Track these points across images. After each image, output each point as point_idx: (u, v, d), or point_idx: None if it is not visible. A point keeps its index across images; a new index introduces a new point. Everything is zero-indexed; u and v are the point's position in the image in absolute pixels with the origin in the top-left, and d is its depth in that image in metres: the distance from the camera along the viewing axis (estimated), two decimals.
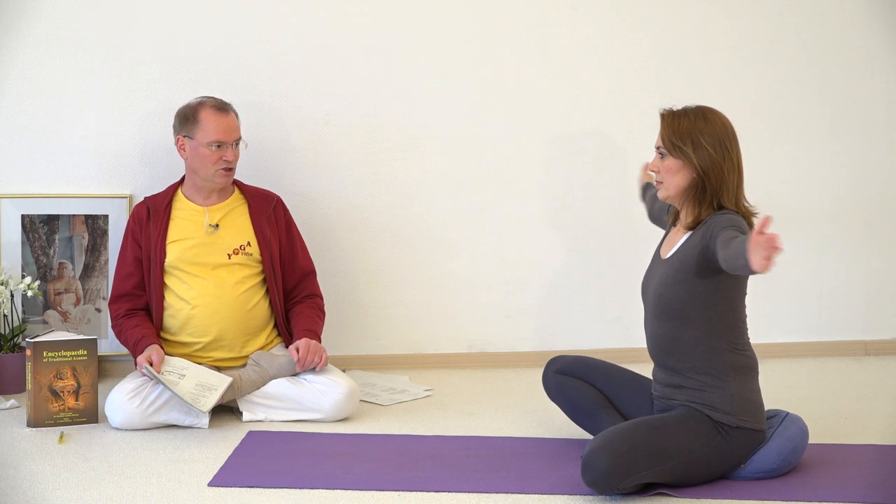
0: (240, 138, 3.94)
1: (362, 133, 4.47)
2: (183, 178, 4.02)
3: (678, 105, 3.22)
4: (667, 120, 3.19)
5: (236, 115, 3.95)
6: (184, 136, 3.91)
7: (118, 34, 4.32)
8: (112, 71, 4.33)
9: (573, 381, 3.46)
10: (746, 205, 3.17)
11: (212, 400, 3.63)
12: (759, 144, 4.58)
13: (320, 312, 4.04)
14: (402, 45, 4.45)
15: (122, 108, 4.35)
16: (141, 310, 3.93)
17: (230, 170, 3.92)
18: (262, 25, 4.39)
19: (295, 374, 3.84)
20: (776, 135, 4.60)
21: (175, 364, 3.76)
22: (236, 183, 4.05)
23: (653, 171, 3.22)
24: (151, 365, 3.67)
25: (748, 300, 3.24)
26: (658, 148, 3.20)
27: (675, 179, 3.16)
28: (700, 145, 3.12)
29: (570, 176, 4.56)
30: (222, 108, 3.92)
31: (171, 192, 4.00)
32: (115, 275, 3.99)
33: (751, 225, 3.14)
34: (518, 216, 4.56)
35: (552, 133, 4.54)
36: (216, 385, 3.69)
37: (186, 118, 3.91)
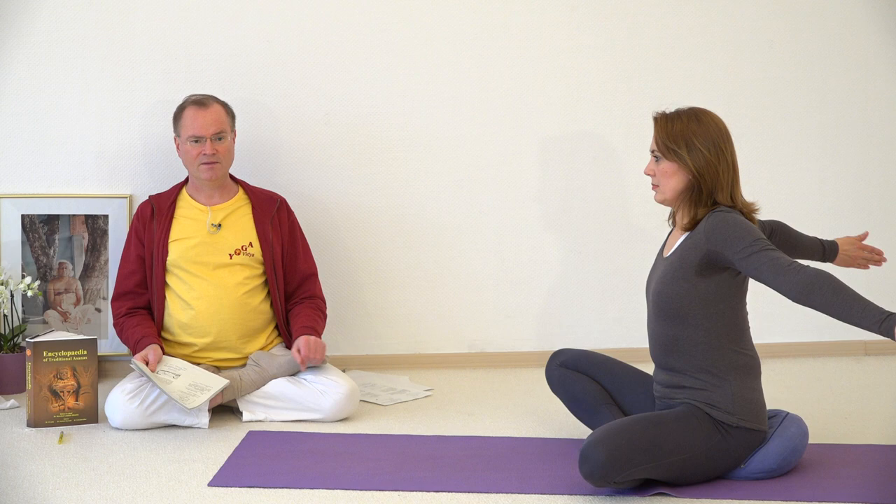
0: (222, 132, 3.92)
1: (362, 133, 4.47)
2: (188, 178, 4.03)
3: (671, 108, 3.22)
4: (660, 123, 3.19)
5: (226, 109, 3.95)
6: (175, 136, 3.95)
7: (118, 34, 4.32)
8: (112, 70, 4.33)
9: (576, 374, 3.47)
10: (744, 200, 3.17)
11: (199, 399, 3.62)
12: (759, 145, 4.58)
13: (320, 313, 4.03)
14: (403, 45, 4.45)
15: (122, 107, 4.35)
16: (142, 308, 3.93)
17: (213, 165, 3.90)
18: (261, 25, 4.39)
19: (294, 374, 3.84)
20: (776, 135, 4.60)
21: (172, 364, 3.76)
22: (241, 183, 4.05)
23: (648, 173, 3.22)
24: (148, 364, 3.67)
25: (749, 299, 3.24)
26: (653, 151, 3.20)
27: (670, 182, 3.16)
28: (694, 147, 3.12)
29: (569, 176, 4.56)
30: (201, 102, 3.92)
31: (176, 191, 4.01)
32: (118, 273, 3.99)
33: (750, 220, 3.16)
34: (518, 216, 4.56)
35: (552, 133, 4.54)
36: (210, 386, 3.68)
37: (175, 118, 3.97)
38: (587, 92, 4.53)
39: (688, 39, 4.54)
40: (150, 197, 4.04)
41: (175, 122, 3.94)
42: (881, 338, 4.68)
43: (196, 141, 3.88)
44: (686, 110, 3.18)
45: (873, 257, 3.58)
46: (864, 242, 3.59)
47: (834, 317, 2.92)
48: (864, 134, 4.65)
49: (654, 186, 3.21)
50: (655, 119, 3.21)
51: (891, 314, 2.84)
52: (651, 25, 4.52)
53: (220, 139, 3.91)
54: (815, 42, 4.59)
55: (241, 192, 4.03)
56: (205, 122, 3.89)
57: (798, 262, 2.98)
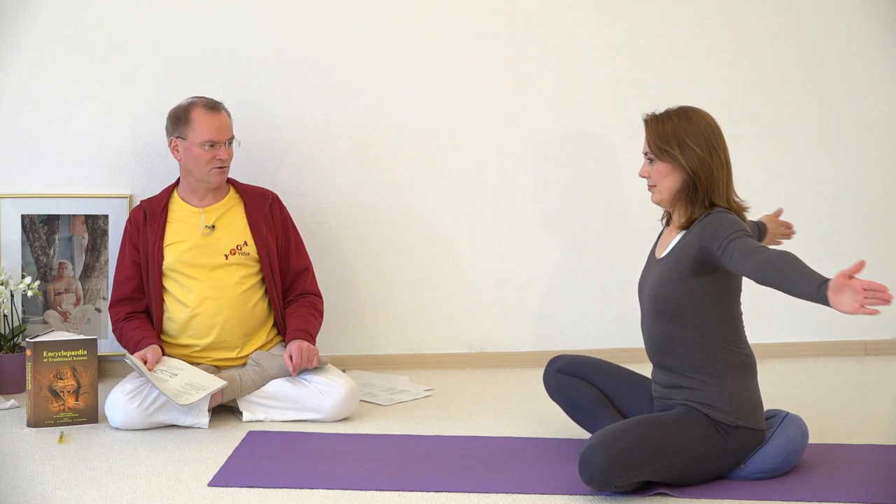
0: (232, 137, 3.93)
1: (362, 133, 4.47)
2: (178, 181, 4.02)
3: (660, 109, 3.22)
4: (650, 125, 3.20)
5: (228, 114, 3.95)
6: (176, 138, 3.90)
7: (118, 34, 4.32)
8: (112, 71, 4.34)
9: (573, 380, 3.47)
10: (737, 200, 3.18)
11: (193, 397, 3.62)
12: (758, 144, 4.58)
13: (314, 310, 4.02)
14: (402, 45, 4.45)
15: (122, 107, 4.35)
16: (141, 312, 3.93)
17: (224, 169, 3.91)
18: (261, 25, 4.39)
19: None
20: (776, 135, 4.61)
21: (171, 364, 3.76)
22: (232, 182, 4.05)
23: (643, 176, 3.22)
24: (146, 364, 3.67)
25: (747, 299, 3.25)
26: (646, 154, 3.21)
27: (666, 182, 3.17)
28: (686, 146, 3.13)
29: (569, 176, 4.56)
30: (214, 107, 3.91)
31: (167, 194, 4.00)
32: (115, 279, 3.99)
33: (742, 219, 3.16)
34: (517, 216, 4.56)
35: (552, 133, 4.54)
36: (206, 386, 3.68)
37: (178, 119, 3.91)
38: (587, 92, 4.53)
39: (688, 39, 4.54)
40: (141, 202, 4.03)
41: (178, 124, 3.89)
42: (881, 338, 4.71)
43: (212, 145, 3.87)
44: (676, 110, 3.19)
45: (788, 232, 3.71)
46: (781, 218, 3.72)
47: (787, 292, 2.85)
48: (864, 133, 4.65)
49: (651, 187, 3.22)
50: (646, 121, 3.22)
51: (828, 280, 2.75)
52: (651, 25, 4.52)
53: (230, 144, 3.91)
54: (816, 41, 4.59)
55: (232, 191, 4.03)
56: (221, 127, 3.88)
57: (764, 245, 2.97)
